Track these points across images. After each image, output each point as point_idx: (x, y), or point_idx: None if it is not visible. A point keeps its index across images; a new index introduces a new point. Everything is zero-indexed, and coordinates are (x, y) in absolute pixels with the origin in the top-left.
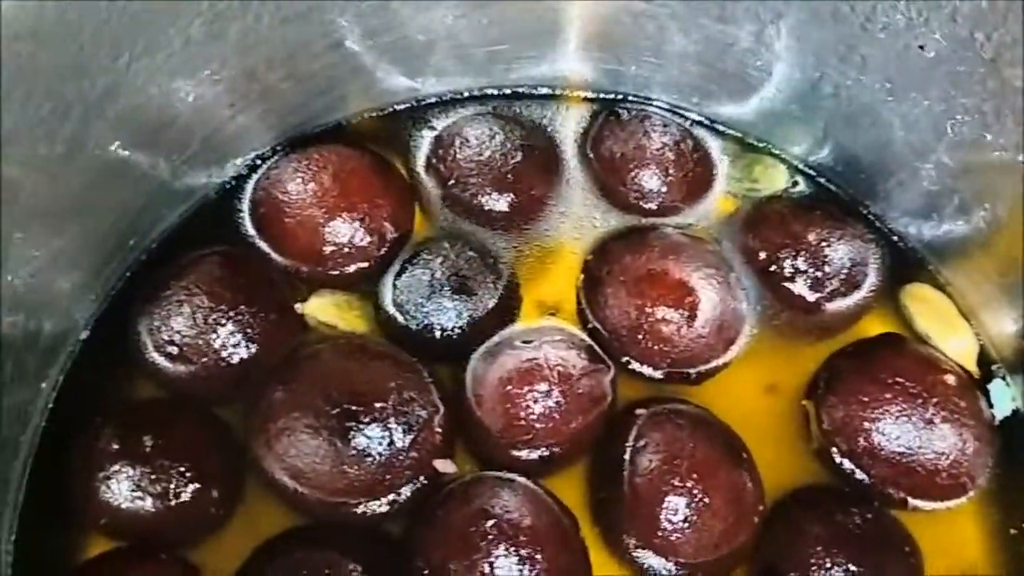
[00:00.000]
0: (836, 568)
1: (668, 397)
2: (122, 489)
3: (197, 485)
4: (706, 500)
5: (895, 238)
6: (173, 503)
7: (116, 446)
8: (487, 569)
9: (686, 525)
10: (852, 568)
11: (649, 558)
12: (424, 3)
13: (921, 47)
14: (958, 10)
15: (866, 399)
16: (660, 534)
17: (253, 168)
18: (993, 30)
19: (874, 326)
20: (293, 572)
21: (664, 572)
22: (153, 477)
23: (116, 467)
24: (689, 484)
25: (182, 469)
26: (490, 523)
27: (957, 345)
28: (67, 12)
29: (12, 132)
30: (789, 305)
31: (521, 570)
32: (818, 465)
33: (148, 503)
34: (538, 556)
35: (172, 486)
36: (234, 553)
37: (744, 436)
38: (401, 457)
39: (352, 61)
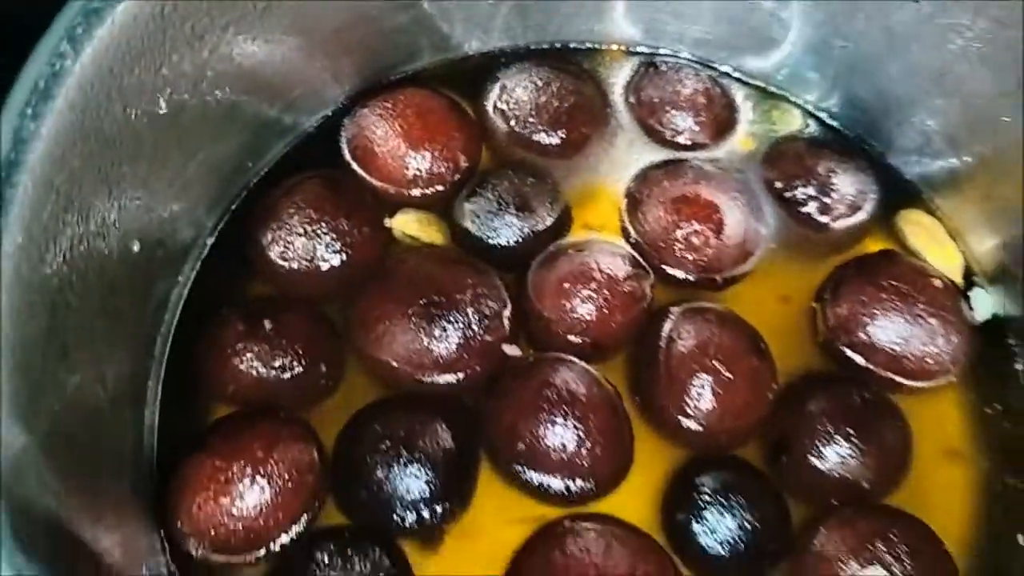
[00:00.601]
0: (838, 434)
1: (698, 300)
2: (247, 362)
3: (308, 360)
4: (729, 378)
5: (893, 171)
6: (289, 374)
7: (241, 328)
8: (549, 428)
9: (712, 398)
10: (852, 435)
11: (679, 421)
12: None
13: (916, 1)
14: None
15: (866, 298)
16: (690, 404)
17: (347, 108)
18: None
19: (874, 245)
20: (389, 428)
21: (692, 434)
22: (273, 353)
23: (242, 344)
24: (715, 364)
25: (296, 347)
26: (551, 392)
27: (945, 260)
28: None
29: (166, 80)
30: (802, 226)
31: (578, 429)
32: (824, 357)
33: (269, 373)
34: (591, 417)
35: (288, 360)
36: (339, 416)
37: (762, 334)
38: (476, 340)
39: (427, 20)
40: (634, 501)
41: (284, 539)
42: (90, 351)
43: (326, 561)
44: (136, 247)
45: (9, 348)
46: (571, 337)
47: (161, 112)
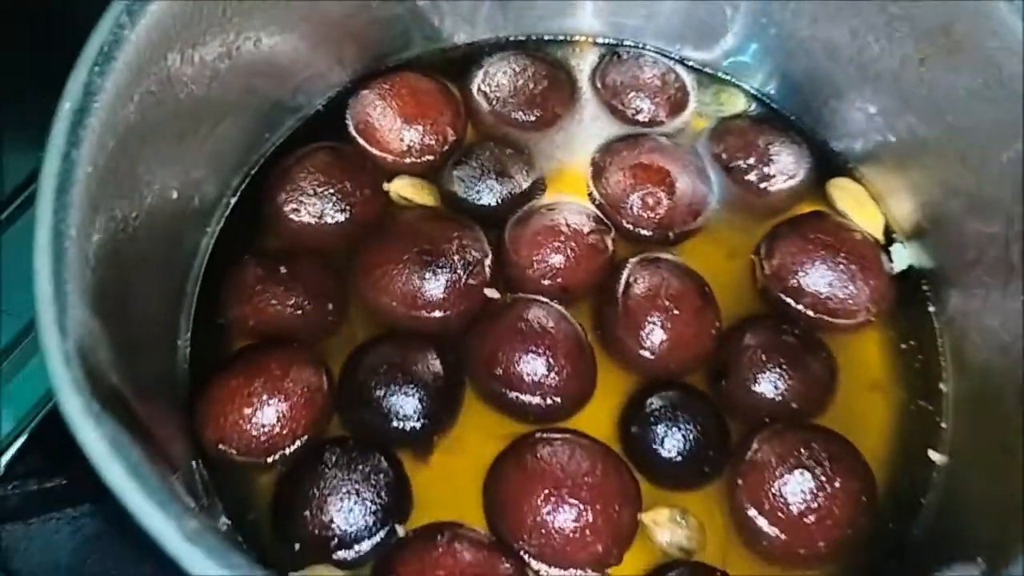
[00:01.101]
0: (771, 363)
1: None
2: (265, 300)
3: (317, 300)
4: (677, 314)
5: (824, 145)
6: (301, 311)
7: (260, 272)
8: (523, 355)
9: (662, 332)
10: (783, 365)
11: (634, 352)
12: None
13: None
14: None
15: (795, 249)
16: (644, 337)
17: (350, 89)
18: None
19: (806, 207)
20: (387, 356)
21: (645, 362)
22: (287, 293)
23: (261, 286)
24: (666, 304)
25: (307, 288)
26: (525, 325)
27: (868, 220)
28: None
29: (202, 55)
30: (745, 192)
31: (547, 356)
32: (762, 302)
33: (284, 310)
34: (558, 346)
35: (300, 299)
36: (344, 350)
37: (709, 283)
38: (461, 283)
39: (421, 14)
40: (596, 420)
41: (296, 445)
42: (136, 276)
43: (333, 461)
44: (174, 195)
45: (82, 256)
46: (543, 282)
47: (195, 83)
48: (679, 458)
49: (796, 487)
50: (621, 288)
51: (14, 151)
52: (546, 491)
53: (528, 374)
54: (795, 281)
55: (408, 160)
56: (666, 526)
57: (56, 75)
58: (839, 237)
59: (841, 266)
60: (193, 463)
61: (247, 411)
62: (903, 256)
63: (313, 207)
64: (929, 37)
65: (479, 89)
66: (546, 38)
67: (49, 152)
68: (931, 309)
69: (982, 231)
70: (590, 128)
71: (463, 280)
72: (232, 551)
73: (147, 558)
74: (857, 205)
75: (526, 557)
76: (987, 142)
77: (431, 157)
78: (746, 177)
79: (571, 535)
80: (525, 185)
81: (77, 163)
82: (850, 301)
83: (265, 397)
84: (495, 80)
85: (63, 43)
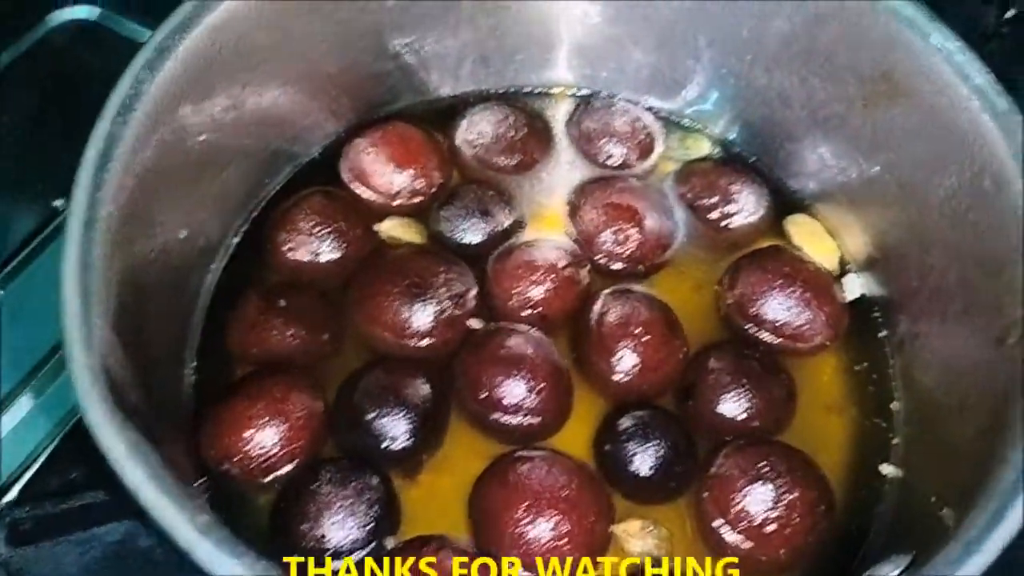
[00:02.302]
0: (734, 382)
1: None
2: (267, 330)
3: (314, 330)
4: (647, 339)
5: (782, 184)
6: (299, 340)
7: (262, 304)
8: (505, 379)
9: (633, 356)
10: (745, 383)
11: (608, 375)
12: (454, 28)
13: (787, 45)
14: (800, 9)
15: (755, 280)
16: (615, 362)
17: (344, 138)
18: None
19: (766, 242)
20: (379, 381)
21: (617, 385)
22: (287, 323)
23: (263, 317)
24: (636, 331)
25: (304, 319)
26: (506, 352)
27: (823, 252)
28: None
29: (210, 106)
30: (708, 228)
31: (527, 379)
32: (725, 330)
33: (284, 339)
34: (537, 370)
35: (298, 330)
36: (339, 376)
37: (676, 312)
38: (447, 314)
39: (409, 69)
40: (573, 440)
41: (293, 465)
42: (150, 306)
43: (328, 479)
44: (183, 234)
45: (105, 284)
46: (523, 312)
47: (204, 132)
48: (649, 473)
49: (757, 498)
50: (595, 317)
51: (26, 200)
52: (526, 504)
53: (509, 396)
54: (755, 309)
55: (398, 202)
56: (638, 536)
57: (69, 130)
58: (795, 268)
59: (797, 295)
60: (196, 483)
61: (249, 431)
62: (856, 285)
63: (310, 246)
64: (871, 83)
65: (463, 137)
66: (525, 90)
67: (76, 193)
68: (882, 334)
69: (924, 260)
70: (566, 171)
71: (449, 311)
72: (238, 543)
73: None
74: (812, 239)
75: (508, 566)
76: (925, 177)
77: (419, 199)
78: (710, 215)
79: (549, 544)
80: (506, 224)
81: (101, 203)
82: (806, 327)
83: (267, 418)
84: (478, 129)
85: (76, 103)
